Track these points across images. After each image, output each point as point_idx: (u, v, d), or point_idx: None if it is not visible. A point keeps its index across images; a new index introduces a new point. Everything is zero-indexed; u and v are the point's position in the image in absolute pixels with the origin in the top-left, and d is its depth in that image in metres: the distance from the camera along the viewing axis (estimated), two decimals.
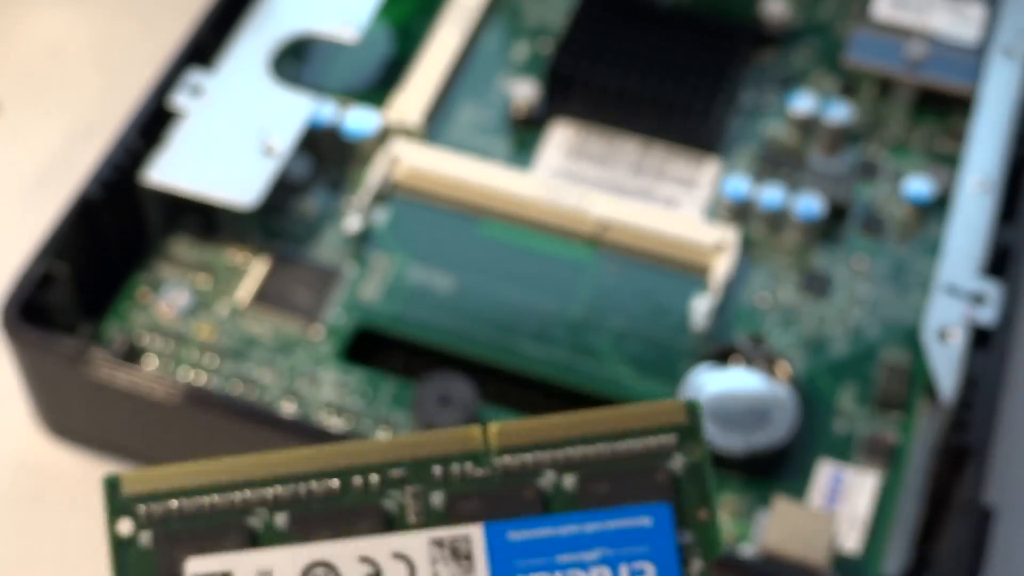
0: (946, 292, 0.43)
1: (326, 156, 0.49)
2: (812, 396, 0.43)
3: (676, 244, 0.46)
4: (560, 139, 0.49)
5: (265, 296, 0.45)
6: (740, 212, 0.47)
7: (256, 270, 0.46)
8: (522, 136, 0.50)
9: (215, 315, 0.45)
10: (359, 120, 0.48)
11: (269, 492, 0.26)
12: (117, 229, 0.45)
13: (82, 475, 0.43)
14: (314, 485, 0.26)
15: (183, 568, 0.26)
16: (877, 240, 0.47)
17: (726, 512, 0.41)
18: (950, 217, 0.45)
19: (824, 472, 0.42)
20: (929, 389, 0.43)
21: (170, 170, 0.45)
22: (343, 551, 0.25)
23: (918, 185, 0.48)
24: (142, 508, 0.26)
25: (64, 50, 0.55)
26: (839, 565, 0.40)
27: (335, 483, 0.26)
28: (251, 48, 0.48)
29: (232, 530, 0.26)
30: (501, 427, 0.26)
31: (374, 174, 0.47)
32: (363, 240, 0.47)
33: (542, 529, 0.26)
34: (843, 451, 0.42)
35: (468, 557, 0.26)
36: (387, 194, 0.48)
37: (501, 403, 0.43)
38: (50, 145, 0.52)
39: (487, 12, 0.53)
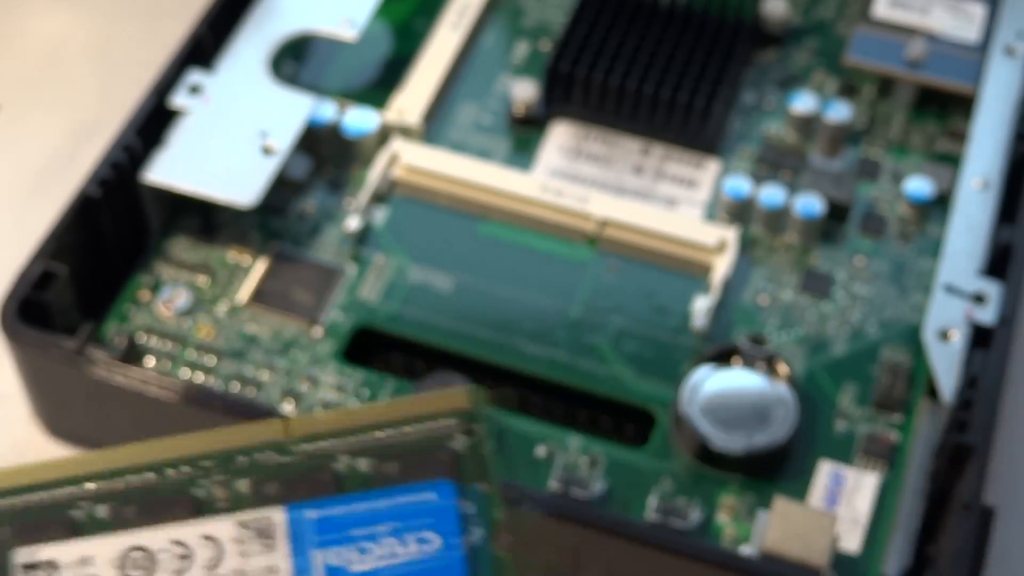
0: (946, 292, 0.43)
1: (325, 156, 0.48)
2: (812, 396, 0.43)
3: (676, 244, 0.46)
4: (560, 139, 0.49)
5: (264, 296, 0.45)
6: (740, 212, 0.47)
7: (255, 270, 0.46)
8: (522, 136, 0.50)
9: (214, 315, 0.45)
10: (358, 119, 0.48)
11: (91, 487, 0.28)
12: (116, 229, 0.45)
13: None
14: (131, 479, 0.28)
15: (11, 558, 0.28)
16: (877, 240, 0.47)
17: (726, 513, 0.41)
18: (950, 217, 0.45)
19: (824, 472, 0.42)
20: (930, 389, 0.43)
21: (170, 169, 0.45)
22: (157, 536, 0.28)
23: (919, 185, 0.48)
24: None
25: (63, 50, 0.55)
26: (839, 565, 0.40)
27: (151, 476, 0.28)
28: (250, 47, 0.48)
29: (56, 523, 0.28)
30: (300, 418, 0.29)
31: (374, 173, 0.47)
32: (362, 240, 0.47)
33: (337, 508, 0.28)
34: (843, 451, 0.42)
35: (271, 536, 0.28)
36: (386, 194, 0.48)
37: (500, 403, 0.43)
38: (49, 144, 0.52)
39: (487, 12, 0.53)
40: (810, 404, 0.43)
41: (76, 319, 0.43)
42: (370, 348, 0.45)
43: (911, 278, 0.46)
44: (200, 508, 0.28)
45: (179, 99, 0.46)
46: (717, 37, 0.51)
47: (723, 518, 0.41)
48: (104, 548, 0.28)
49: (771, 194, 0.47)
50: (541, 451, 0.42)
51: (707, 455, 0.42)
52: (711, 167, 0.49)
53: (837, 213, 0.47)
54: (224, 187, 0.44)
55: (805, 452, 0.42)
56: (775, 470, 0.42)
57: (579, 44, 0.50)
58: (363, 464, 0.29)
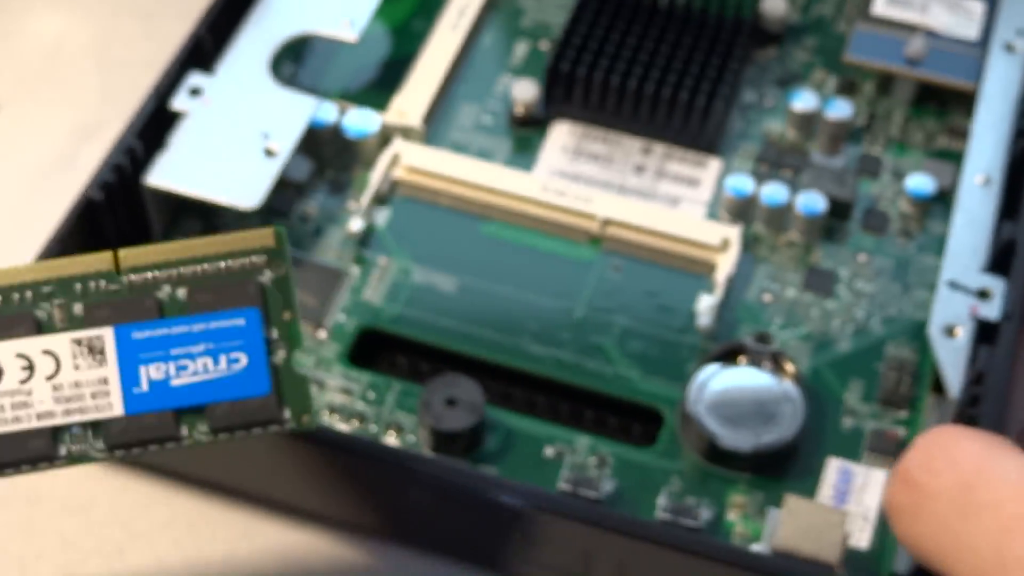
0: (951, 288, 0.43)
1: (326, 157, 0.48)
2: (818, 393, 0.43)
3: (679, 242, 0.46)
4: (561, 139, 0.49)
5: None
6: (742, 210, 0.47)
7: None
8: (523, 136, 0.50)
9: None
10: (359, 121, 0.48)
11: None
12: (119, 232, 0.44)
13: (83, 476, 0.43)
14: None
15: None
16: (880, 237, 0.47)
17: (736, 511, 0.41)
18: (953, 213, 0.45)
19: (833, 469, 0.42)
20: (935, 384, 0.43)
21: (172, 172, 0.44)
22: (4, 350, 0.33)
23: (920, 181, 0.48)
24: None
25: (63, 49, 0.55)
26: (850, 562, 0.40)
27: None
28: (251, 49, 0.48)
29: None
30: (128, 252, 0.34)
31: (375, 175, 0.47)
32: (365, 241, 0.46)
33: (159, 329, 0.33)
34: (851, 448, 0.42)
35: (102, 352, 0.33)
36: (388, 195, 0.48)
37: (506, 404, 0.43)
38: (49, 145, 0.52)
39: (485, 12, 0.53)
40: (816, 401, 0.43)
41: None
42: (375, 350, 0.45)
43: (914, 274, 0.46)
44: (40, 327, 0.33)
45: (180, 102, 0.46)
46: (717, 36, 0.51)
47: (733, 516, 0.41)
48: None
49: (773, 192, 0.47)
50: (549, 451, 0.42)
51: (715, 454, 0.41)
52: (712, 166, 0.49)
53: (839, 210, 0.47)
54: (227, 190, 0.44)
55: (812, 450, 0.42)
56: (783, 468, 0.42)
57: (579, 44, 0.50)
58: (182, 293, 0.34)
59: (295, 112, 0.46)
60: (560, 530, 0.38)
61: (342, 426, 0.42)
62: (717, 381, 0.42)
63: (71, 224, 0.43)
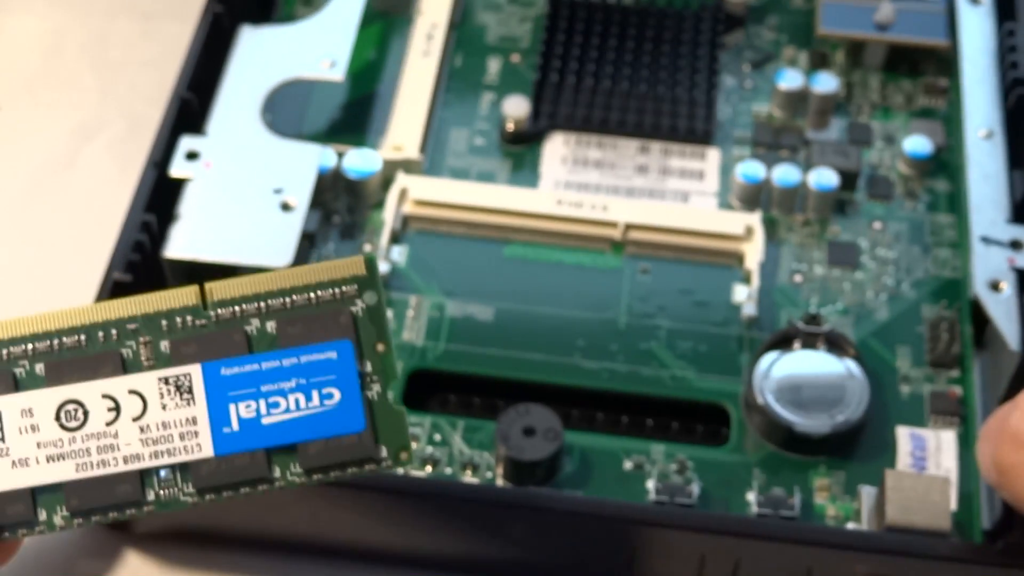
0: (985, 244, 0.44)
1: (330, 203, 0.47)
2: (872, 365, 0.44)
3: (703, 236, 0.46)
4: (557, 150, 0.49)
5: None
6: (753, 196, 0.48)
7: None
8: (517, 153, 0.49)
9: None
10: (359, 161, 0.47)
11: (29, 347, 0.31)
12: None
13: None
14: (65, 339, 0.31)
15: None
16: (887, 203, 0.48)
17: (823, 494, 0.41)
18: (965, 170, 0.46)
19: (904, 438, 0.42)
20: (977, 339, 0.44)
21: (191, 242, 0.43)
22: (89, 390, 0.31)
23: (918, 143, 0.48)
24: None
25: (62, 49, 0.54)
26: None
27: (82, 337, 0.31)
28: (238, 104, 0.47)
29: (0, 378, 0.31)
30: (214, 284, 0.32)
31: (388, 213, 0.46)
32: (392, 283, 0.45)
33: (248, 365, 0.31)
34: (916, 415, 0.43)
35: (189, 390, 0.31)
36: (401, 232, 0.47)
37: (568, 425, 0.43)
38: (49, 145, 0.51)
39: (448, 37, 0.52)
40: (872, 373, 0.44)
41: None
42: (426, 390, 0.44)
43: (930, 234, 0.47)
44: (126, 366, 0.31)
45: (179, 168, 0.45)
46: (691, 25, 0.51)
47: (820, 500, 0.41)
48: (42, 400, 0.31)
49: (785, 174, 0.47)
50: (628, 465, 0.42)
51: (792, 441, 0.42)
52: (712, 156, 0.49)
53: (847, 182, 0.48)
54: (255, 251, 0.43)
55: (880, 422, 0.43)
56: (855, 446, 0.42)
57: (561, 53, 0.50)
58: (271, 326, 0.32)
59: (302, 162, 0.45)
60: (676, 541, 0.38)
61: (418, 472, 0.41)
62: (778, 369, 0.42)
63: None
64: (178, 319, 0.32)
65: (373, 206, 0.47)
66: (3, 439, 0.31)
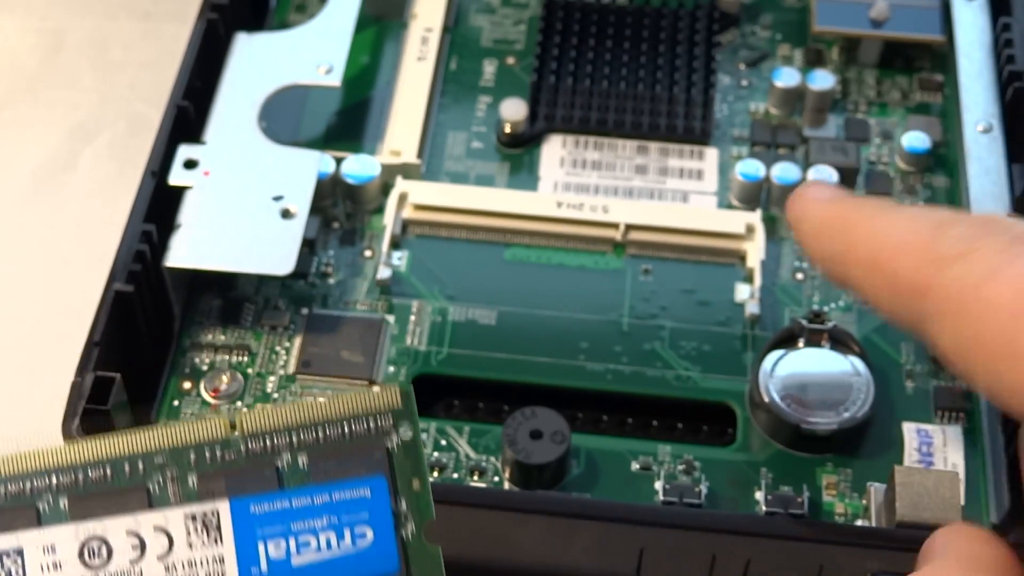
0: None
1: (328, 209, 0.47)
2: (875, 361, 0.44)
3: (704, 236, 0.46)
4: (555, 152, 0.49)
5: (311, 364, 0.43)
6: (753, 194, 0.47)
7: (294, 339, 0.44)
8: (514, 155, 0.49)
9: (266, 392, 0.43)
10: (358, 167, 0.47)
11: (53, 479, 0.30)
12: (146, 319, 0.43)
13: None
14: (90, 472, 0.30)
15: None
16: (888, 198, 0.48)
17: (830, 491, 0.41)
18: (964, 164, 0.46)
19: (910, 434, 0.42)
20: None
21: (192, 251, 0.43)
22: (113, 527, 0.30)
23: (916, 138, 0.48)
24: None
25: (62, 49, 0.54)
26: None
27: (107, 470, 0.30)
28: (235, 111, 0.46)
29: (22, 513, 0.30)
30: (244, 415, 0.31)
31: (388, 218, 0.46)
32: (393, 288, 0.45)
33: (279, 502, 0.30)
34: (921, 410, 0.43)
35: (218, 528, 0.30)
36: (401, 237, 0.47)
37: (575, 427, 0.43)
38: (49, 145, 0.51)
39: (442, 41, 0.52)
40: (876, 370, 0.43)
41: (129, 418, 0.41)
42: (431, 395, 0.44)
43: None
44: (152, 501, 0.30)
45: (177, 176, 0.44)
46: (685, 25, 0.51)
47: (828, 497, 0.41)
48: (65, 537, 0.30)
49: (784, 172, 0.47)
50: (635, 466, 0.42)
51: (798, 439, 0.42)
52: (710, 155, 0.49)
53: (846, 178, 0.48)
54: (257, 259, 0.43)
55: (885, 418, 0.43)
56: (862, 443, 0.42)
57: (556, 55, 0.50)
58: (303, 460, 0.31)
59: (301, 168, 0.45)
60: (687, 541, 0.38)
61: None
62: (783, 367, 0.42)
63: (107, 320, 0.41)
64: (207, 452, 0.31)
65: (372, 211, 0.47)
66: None
